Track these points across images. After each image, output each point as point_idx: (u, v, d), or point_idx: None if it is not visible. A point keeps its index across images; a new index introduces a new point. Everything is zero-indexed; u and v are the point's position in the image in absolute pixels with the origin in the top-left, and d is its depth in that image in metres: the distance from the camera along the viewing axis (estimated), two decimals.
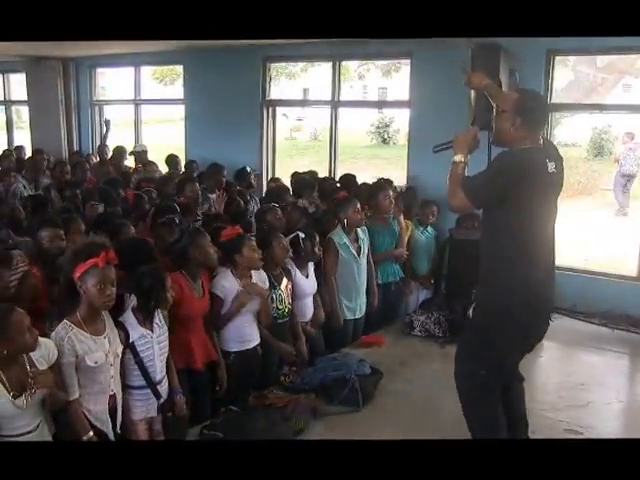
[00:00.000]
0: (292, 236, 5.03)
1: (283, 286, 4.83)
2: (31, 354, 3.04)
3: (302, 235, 5.05)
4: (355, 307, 5.73)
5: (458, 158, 3.45)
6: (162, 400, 3.77)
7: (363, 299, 5.82)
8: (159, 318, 3.75)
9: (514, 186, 3.22)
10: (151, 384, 3.68)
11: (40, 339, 3.07)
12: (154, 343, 3.68)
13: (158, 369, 3.72)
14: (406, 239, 6.31)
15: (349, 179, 7.45)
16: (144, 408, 3.72)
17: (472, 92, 6.19)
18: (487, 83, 3.72)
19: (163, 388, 3.78)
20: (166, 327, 3.79)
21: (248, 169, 8.19)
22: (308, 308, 5.24)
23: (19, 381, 2.99)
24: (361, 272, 5.71)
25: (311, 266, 5.26)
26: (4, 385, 2.95)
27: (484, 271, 3.49)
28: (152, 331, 3.69)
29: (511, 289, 3.33)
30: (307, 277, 5.18)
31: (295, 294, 5.01)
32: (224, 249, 4.48)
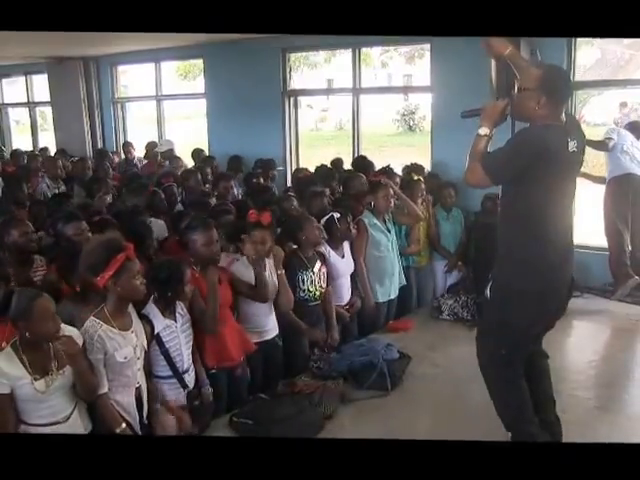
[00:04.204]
0: (327, 217, 5.05)
1: (316, 269, 4.82)
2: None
3: (337, 215, 5.06)
4: (389, 289, 5.71)
5: (483, 131, 3.30)
6: (189, 389, 3.78)
7: (396, 279, 5.80)
8: (181, 307, 3.76)
9: (533, 165, 3.12)
10: (177, 374, 3.69)
11: (65, 326, 3.08)
12: (179, 332, 3.70)
13: (185, 358, 3.73)
14: (418, 228, 6.22)
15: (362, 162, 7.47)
16: (173, 397, 3.73)
17: (492, 72, 6.13)
18: (511, 51, 3.41)
19: (190, 377, 3.79)
20: (189, 316, 3.80)
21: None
22: (345, 290, 5.25)
23: (42, 365, 3.01)
24: (393, 251, 5.71)
25: (347, 246, 5.26)
26: (25, 368, 2.95)
27: (501, 249, 3.42)
28: (175, 321, 3.70)
29: (527, 268, 3.25)
30: (343, 257, 5.19)
31: (331, 275, 5.01)
32: None
